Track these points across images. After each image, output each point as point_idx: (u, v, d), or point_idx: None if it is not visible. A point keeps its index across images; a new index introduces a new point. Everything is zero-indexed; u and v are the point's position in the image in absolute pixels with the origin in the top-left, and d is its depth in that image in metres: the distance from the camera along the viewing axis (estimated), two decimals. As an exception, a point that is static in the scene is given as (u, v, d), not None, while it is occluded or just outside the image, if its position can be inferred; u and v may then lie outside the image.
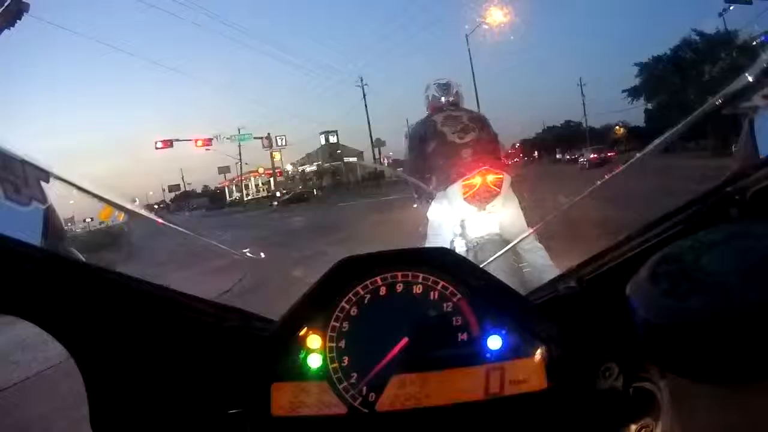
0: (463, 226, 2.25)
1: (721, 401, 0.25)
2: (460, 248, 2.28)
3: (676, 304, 0.25)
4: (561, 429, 0.50)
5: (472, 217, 2.21)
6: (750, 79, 0.56)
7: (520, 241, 1.98)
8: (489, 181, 2.17)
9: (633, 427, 0.49)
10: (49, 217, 1.08)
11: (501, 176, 2.20)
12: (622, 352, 0.50)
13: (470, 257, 2.10)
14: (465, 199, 2.18)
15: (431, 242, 2.38)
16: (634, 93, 27.97)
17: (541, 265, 2.22)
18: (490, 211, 2.21)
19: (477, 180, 2.17)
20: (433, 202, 2.36)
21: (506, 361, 0.50)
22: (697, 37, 23.85)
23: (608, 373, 0.50)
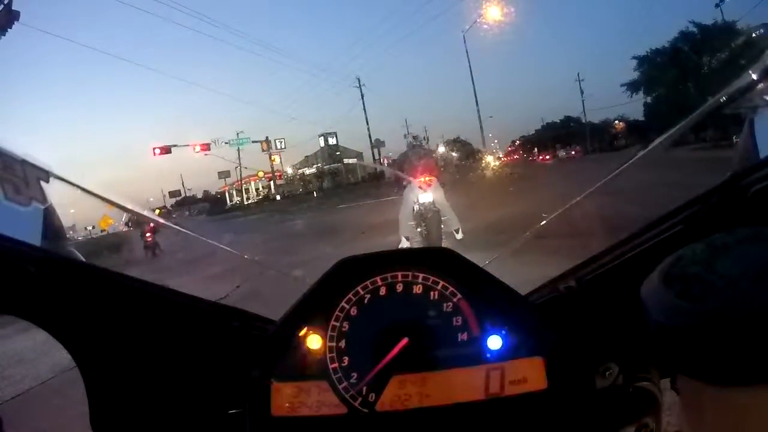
0: (417, 198, 5.25)
1: (733, 404, 0.25)
2: (417, 208, 5.31)
3: (689, 306, 0.25)
4: (561, 429, 0.50)
5: (421, 194, 5.20)
6: (750, 78, 0.56)
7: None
8: (428, 179, 5.22)
9: (633, 427, 0.49)
10: (49, 217, 1.08)
11: (433, 178, 5.27)
12: (622, 352, 0.50)
13: (419, 215, 5.25)
14: (418, 186, 5.20)
15: (404, 207, 5.42)
16: (633, 87, 27.88)
17: (450, 216, 5.40)
18: (429, 192, 5.21)
19: (423, 179, 5.20)
20: (406, 188, 5.47)
21: (506, 361, 0.50)
22: (695, 29, 23.72)
23: (608, 373, 0.50)
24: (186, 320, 0.51)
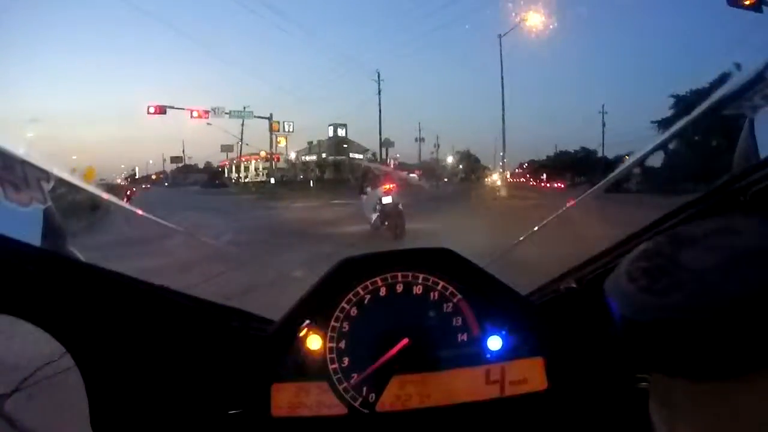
0: (380, 200, 7.01)
1: (705, 399, 0.24)
2: (379, 207, 7.09)
3: (654, 300, 0.25)
4: (561, 429, 0.50)
5: (383, 197, 6.98)
6: (749, 78, 0.56)
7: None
8: (389, 186, 7.16)
9: (633, 427, 0.49)
10: (49, 217, 1.09)
11: (393, 186, 7.21)
12: (621, 352, 0.50)
13: (384, 212, 7.03)
14: (382, 191, 7.05)
15: (366, 204, 7.60)
16: (664, 125, 27.40)
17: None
18: (389, 195, 6.96)
19: (387, 186, 7.16)
20: (368, 190, 7.66)
21: (506, 362, 0.50)
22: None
23: (608, 373, 0.50)
24: (186, 320, 0.51)
